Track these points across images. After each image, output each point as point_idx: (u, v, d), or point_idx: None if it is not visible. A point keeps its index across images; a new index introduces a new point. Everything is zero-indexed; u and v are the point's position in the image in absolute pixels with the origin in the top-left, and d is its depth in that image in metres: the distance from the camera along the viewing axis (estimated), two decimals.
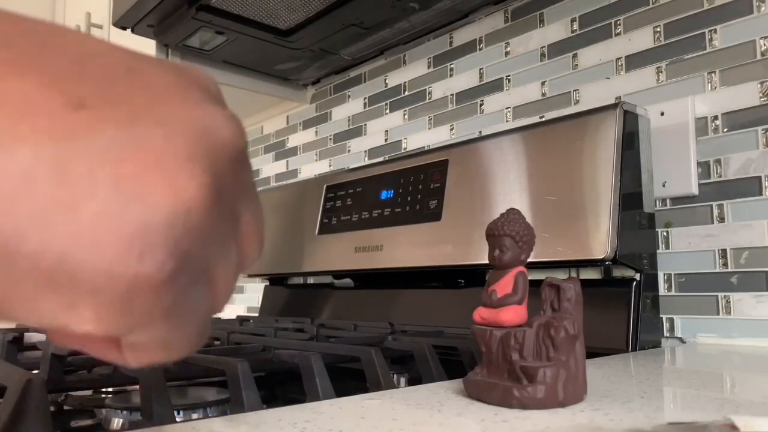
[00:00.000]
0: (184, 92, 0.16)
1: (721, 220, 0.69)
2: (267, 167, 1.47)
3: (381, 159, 1.11)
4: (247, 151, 0.18)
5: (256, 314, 1.31)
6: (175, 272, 0.15)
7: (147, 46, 1.16)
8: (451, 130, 1.01)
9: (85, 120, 0.14)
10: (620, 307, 0.67)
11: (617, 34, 0.80)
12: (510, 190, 0.76)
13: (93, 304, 0.14)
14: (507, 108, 0.93)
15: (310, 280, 1.20)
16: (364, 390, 0.45)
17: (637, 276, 0.69)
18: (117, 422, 0.48)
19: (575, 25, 0.85)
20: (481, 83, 0.97)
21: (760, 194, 0.66)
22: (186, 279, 0.16)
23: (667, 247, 0.73)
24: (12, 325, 0.88)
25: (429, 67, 1.07)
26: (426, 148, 1.04)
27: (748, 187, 0.67)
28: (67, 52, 0.15)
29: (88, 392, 0.56)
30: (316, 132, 1.32)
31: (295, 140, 1.39)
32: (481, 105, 0.97)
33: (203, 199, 0.15)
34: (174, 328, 0.17)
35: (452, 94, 1.02)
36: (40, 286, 0.14)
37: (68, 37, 0.16)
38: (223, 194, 0.16)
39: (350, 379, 0.55)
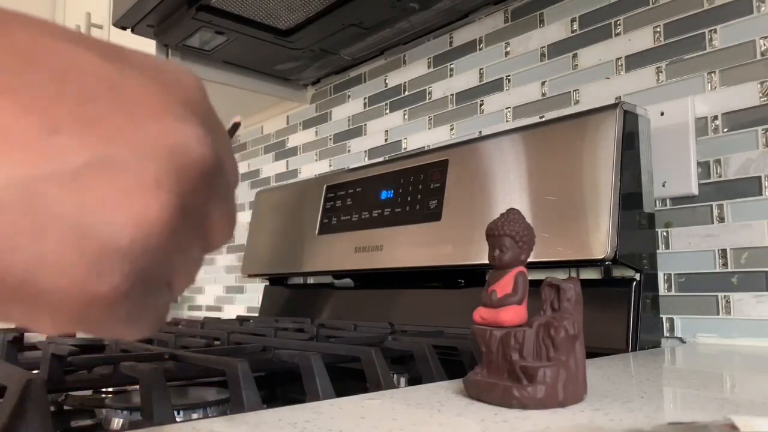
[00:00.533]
0: (162, 110, 0.17)
1: (721, 220, 0.69)
2: (267, 167, 1.47)
3: (381, 159, 1.11)
4: (218, 163, 0.18)
5: (256, 314, 1.31)
6: (130, 290, 0.16)
7: (147, 46, 1.16)
8: (451, 130, 1.01)
9: (59, 146, 0.15)
10: (620, 307, 0.67)
11: (617, 34, 0.80)
12: (510, 190, 0.76)
13: (52, 316, 0.16)
14: (507, 108, 0.93)
15: (310, 280, 1.20)
16: (364, 390, 0.45)
17: (637, 276, 0.69)
18: (117, 422, 0.48)
19: (575, 25, 0.85)
20: (481, 83, 0.97)
21: (760, 194, 0.66)
22: (142, 291, 0.17)
23: (667, 247, 0.73)
24: (12, 325, 0.88)
25: (429, 67, 1.07)
26: (426, 148, 1.04)
27: (748, 187, 0.67)
28: (49, 67, 0.15)
29: (88, 392, 0.56)
30: (316, 132, 1.32)
31: (295, 140, 1.39)
32: (481, 105, 0.97)
33: (166, 221, 0.16)
34: (129, 326, 0.18)
35: (452, 94, 1.02)
36: (7, 299, 0.15)
37: (54, 49, 0.16)
38: (190, 208, 0.17)
39: (350, 379, 0.55)
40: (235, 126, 0.29)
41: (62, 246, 0.15)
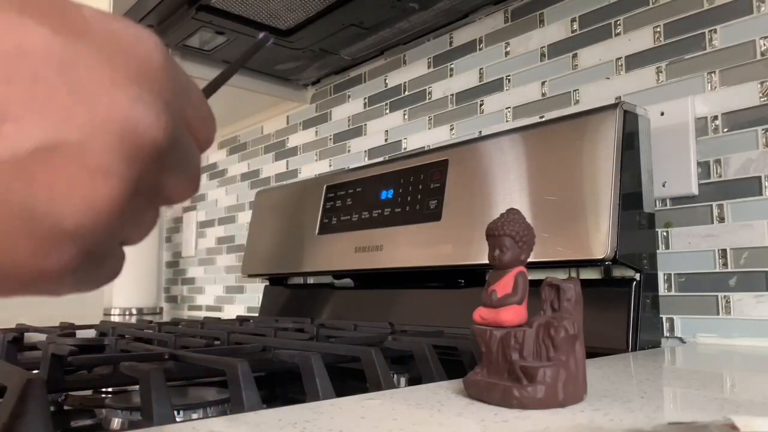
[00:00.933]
0: (114, 90, 0.16)
1: (721, 220, 0.69)
2: (267, 167, 1.47)
3: (381, 159, 1.11)
4: (172, 140, 0.18)
5: (256, 314, 1.31)
6: (79, 265, 0.17)
7: None
8: (451, 130, 1.01)
9: (5, 134, 0.15)
10: (620, 307, 0.67)
11: (617, 34, 0.80)
12: (510, 190, 0.76)
13: (5, 285, 0.17)
14: (507, 108, 0.93)
15: (310, 280, 1.20)
16: (364, 390, 0.45)
17: (637, 276, 0.69)
18: (117, 422, 0.48)
19: (575, 25, 0.85)
20: (481, 83, 0.97)
21: (760, 194, 0.66)
22: (92, 261, 0.18)
23: (667, 247, 0.73)
24: (12, 325, 0.88)
25: (429, 67, 1.07)
26: (426, 148, 1.04)
27: (748, 187, 0.67)
28: (1, 48, 0.15)
29: (88, 392, 0.56)
30: (316, 132, 1.32)
31: (295, 140, 1.39)
32: (481, 105, 0.97)
33: (115, 204, 0.16)
34: (81, 287, 0.19)
35: (452, 94, 1.02)
36: None
37: (1, 26, 0.15)
38: (142, 186, 0.18)
39: (350, 379, 0.55)
40: (262, 41, 0.28)
41: (9, 228, 0.15)
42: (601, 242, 0.65)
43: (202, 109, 0.21)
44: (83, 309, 1.71)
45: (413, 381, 0.57)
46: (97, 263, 0.18)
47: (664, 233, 0.73)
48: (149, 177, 0.18)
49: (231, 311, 1.53)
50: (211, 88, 0.26)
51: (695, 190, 0.71)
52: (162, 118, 0.17)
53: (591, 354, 0.50)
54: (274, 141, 1.46)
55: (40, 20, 0.16)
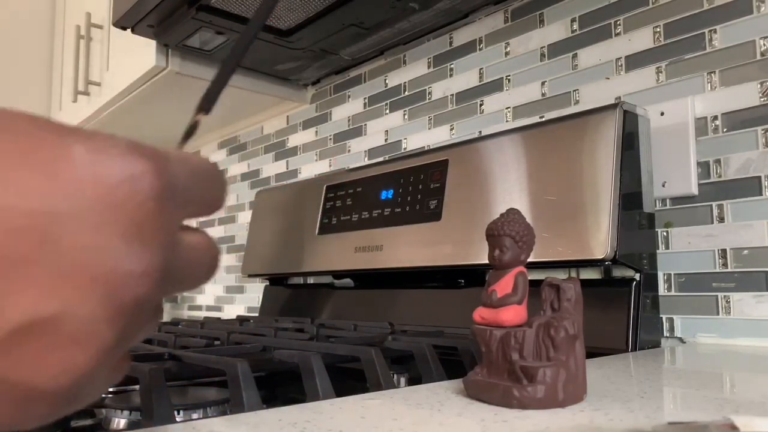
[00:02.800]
0: (97, 253, 0.16)
1: (721, 220, 0.69)
2: (267, 167, 1.47)
3: (381, 159, 1.11)
4: (159, 287, 0.18)
5: (256, 314, 1.31)
6: (58, 412, 0.17)
7: (147, 45, 1.16)
8: (451, 130, 1.01)
9: None
10: (620, 307, 0.67)
11: (617, 34, 0.80)
12: (510, 190, 0.76)
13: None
14: (507, 108, 0.93)
15: (310, 280, 1.20)
16: (364, 390, 0.45)
17: (637, 276, 0.69)
18: (117, 422, 0.48)
19: (575, 25, 0.85)
20: (481, 83, 0.97)
21: (760, 194, 0.66)
22: (72, 401, 0.17)
23: (667, 247, 0.73)
24: None
25: (429, 67, 1.07)
26: (426, 148, 1.04)
27: (748, 187, 0.67)
28: None
29: None
30: (316, 132, 1.32)
31: (295, 140, 1.39)
32: (481, 105, 0.97)
33: (95, 360, 0.16)
34: (64, 412, 0.18)
35: (452, 94, 1.02)
36: None
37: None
38: (127, 331, 0.17)
39: (350, 379, 0.55)
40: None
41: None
42: (601, 242, 0.65)
43: (209, 188, 0.21)
44: None
45: (413, 381, 0.57)
46: (78, 399, 0.18)
47: (664, 233, 0.73)
48: (135, 324, 0.18)
49: (231, 311, 1.53)
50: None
51: (695, 190, 0.71)
52: (150, 268, 0.17)
53: (591, 354, 0.50)
54: (274, 141, 1.46)
55: (25, 187, 0.15)
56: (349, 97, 1.24)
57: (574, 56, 0.85)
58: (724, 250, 0.68)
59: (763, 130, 0.67)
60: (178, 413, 0.47)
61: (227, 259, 1.58)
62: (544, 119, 0.86)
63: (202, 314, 1.63)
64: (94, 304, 0.16)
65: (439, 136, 1.03)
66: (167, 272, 0.18)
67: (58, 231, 0.15)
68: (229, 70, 0.27)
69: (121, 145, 0.17)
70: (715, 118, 0.70)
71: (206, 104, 0.26)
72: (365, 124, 1.19)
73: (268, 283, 1.27)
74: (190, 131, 0.26)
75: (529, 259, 0.40)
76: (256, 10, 0.29)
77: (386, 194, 0.95)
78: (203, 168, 0.21)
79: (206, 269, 0.21)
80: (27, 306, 0.15)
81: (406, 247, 0.87)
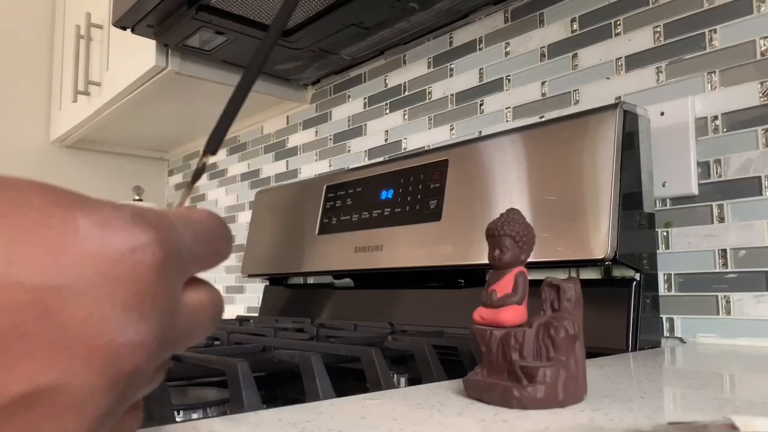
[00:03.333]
0: (96, 324, 0.16)
1: (721, 220, 0.69)
2: (267, 167, 1.47)
3: (381, 159, 1.11)
4: (153, 359, 0.18)
5: (256, 314, 1.31)
6: None
7: (147, 45, 1.16)
8: (451, 130, 1.01)
9: None
10: (620, 307, 0.67)
11: (617, 34, 0.80)
12: (510, 190, 0.76)
13: None
14: (507, 108, 0.93)
15: (310, 280, 1.20)
16: (364, 390, 0.45)
17: (637, 276, 0.69)
18: None
19: (575, 25, 0.85)
20: (481, 83, 0.97)
21: (760, 194, 0.66)
22: None
23: (667, 247, 0.73)
24: None
25: (429, 67, 1.07)
26: (426, 148, 1.04)
27: (748, 187, 0.67)
28: None
29: None
30: (316, 132, 1.32)
31: (295, 140, 1.39)
32: (481, 105, 0.97)
33: (89, 427, 0.17)
34: None
35: (452, 94, 1.02)
36: None
37: None
38: (123, 398, 0.18)
39: (350, 379, 0.55)
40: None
41: None
42: (601, 242, 0.65)
43: (213, 244, 0.22)
44: None
45: (413, 381, 0.57)
46: None
47: (664, 233, 0.73)
48: (133, 389, 0.18)
49: (231, 311, 1.53)
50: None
51: (695, 190, 0.71)
52: (148, 338, 0.18)
53: (591, 354, 0.50)
54: (274, 141, 1.46)
55: (30, 263, 0.15)
56: (349, 97, 1.24)
57: (574, 56, 0.85)
58: (724, 250, 0.68)
59: (763, 130, 0.67)
60: (178, 413, 0.47)
61: (227, 259, 1.58)
62: (544, 119, 0.86)
63: None
64: (92, 374, 0.16)
65: (439, 136, 1.03)
66: (167, 339, 0.19)
67: (60, 304, 0.16)
68: (234, 111, 0.28)
69: (125, 216, 0.18)
70: (715, 118, 0.70)
71: (212, 146, 0.27)
72: (365, 124, 1.19)
73: (268, 283, 1.27)
74: (198, 174, 0.26)
75: (529, 259, 0.40)
76: (255, 51, 0.29)
77: (386, 194, 0.95)
78: (207, 226, 0.22)
79: (208, 326, 0.22)
80: (28, 377, 0.15)
81: (406, 247, 0.87)
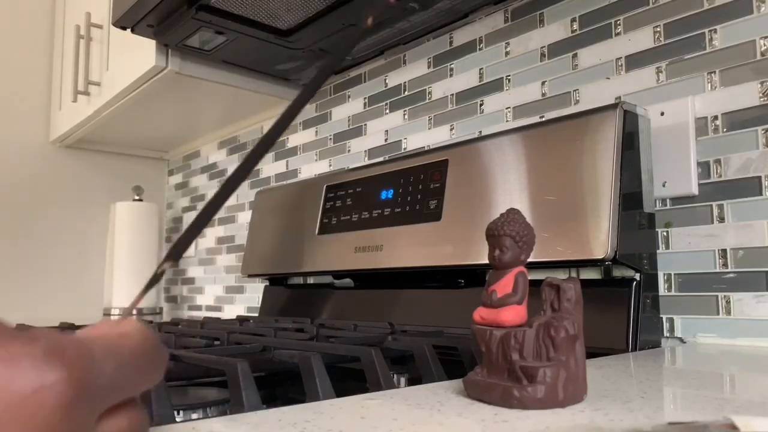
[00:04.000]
0: None
1: (721, 220, 0.69)
2: (267, 167, 1.47)
3: (381, 159, 1.11)
4: None
5: (256, 314, 1.31)
6: None
7: (147, 45, 1.16)
8: (451, 130, 1.01)
9: None
10: (620, 307, 0.67)
11: (617, 34, 0.80)
12: (510, 190, 0.76)
13: None
14: (507, 108, 0.93)
15: (310, 280, 1.20)
16: (364, 390, 0.45)
17: (637, 276, 0.69)
18: None
19: (575, 25, 0.85)
20: (481, 83, 0.97)
21: (760, 194, 0.66)
22: None
23: (667, 247, 0.73)
24: (12, 325, 0.87)
25: (429, 67, 1.07)
26: (426, 148, 1.04)
27: (748, 187, 0.67)
28: None
29: None
30: (316, 132, 1.32)
31: (295, 140, 1.39)
32: (481, 105, 0.97)
33: None
34: None
35: (452, 94, 1.02)
36: None
37: None
38: None
39: (350, 379, 0.55)
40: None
41: None
42: (601, 242, 0.65)
43: (142, 371, 0.21)
44: (83, 309, 1.70)
45: (413, 381, 0.57)
46: None
47: (664, 233, 0.73)
48: None
49: (231, 311, 1.53)
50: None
51: (695, 190, 0.71)
52: None
53: (591, 354, 0.50)
54: None
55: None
56: (349, 97, 1.24)
57: (574, 56, 0.85)
58: (724, 250, 0.68)
59: (763, 130, 0.67)
60: (178, 413, 0.47)
61: (227, 259, 1.58)
62: (544, 119, 0.86)
63: (202, 314, 1.63)
64: None
65: (439, 136, 1.03)
66: None
67: None
68: (202, 224, 0.27)
69: (35, 353, 0.17)
70: (715, 118, 0.70)
71: (175, 254, 0.26)
72: (365, 124, 1.19)
73: (267, 283, 1.27)
74: (154, 281, 0.26)
75: (529, 259, 0.40)
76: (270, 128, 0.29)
77: (386, 194, 0.95)
78: (137, 353, 0.21)
79: None
80: None
81: (406, 247, 0.87)
